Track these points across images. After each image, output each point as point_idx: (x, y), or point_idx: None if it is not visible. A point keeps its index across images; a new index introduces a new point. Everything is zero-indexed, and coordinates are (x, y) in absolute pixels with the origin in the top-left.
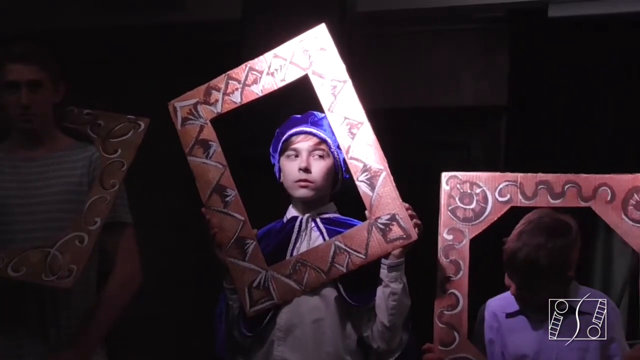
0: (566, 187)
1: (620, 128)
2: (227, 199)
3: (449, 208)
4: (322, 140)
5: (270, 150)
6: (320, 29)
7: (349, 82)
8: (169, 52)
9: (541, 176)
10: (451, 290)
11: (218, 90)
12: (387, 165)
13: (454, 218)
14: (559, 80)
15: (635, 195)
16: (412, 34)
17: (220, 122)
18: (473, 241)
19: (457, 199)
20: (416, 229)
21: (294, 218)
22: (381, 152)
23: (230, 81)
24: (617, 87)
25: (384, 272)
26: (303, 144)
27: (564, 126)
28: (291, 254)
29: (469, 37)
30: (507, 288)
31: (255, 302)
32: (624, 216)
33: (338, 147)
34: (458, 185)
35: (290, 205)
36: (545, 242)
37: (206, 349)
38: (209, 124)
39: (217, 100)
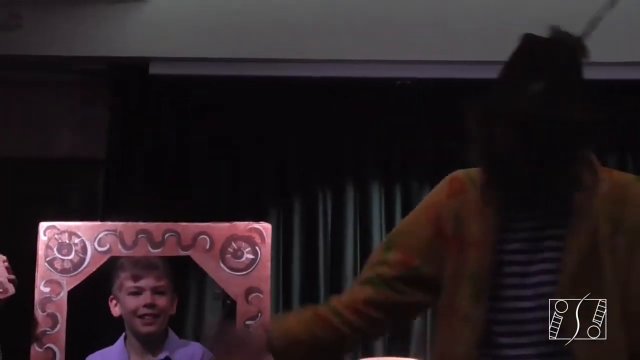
0: (166, 235)
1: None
2: None
3: (47, 259)
4: None
5: None
6: None
7: None
8: None
9: (141, 225)
10: (47, 345)
11: None
12: None
13: (52, 269)
14: (158, 135)
15: (233, 244)
16: (7, 81)
17: None
18: (71, 293)
19: (55, 249)
20: (11, 283)
21: None
22: None
23: None
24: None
25: None
26: None
27: (164, 180)
28: None
29: (69, 88)
30: (108, 342)
31: None
32: (222, 264)
33: None
34: (56, 236)
35: None
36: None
37: None
38: None
39: None
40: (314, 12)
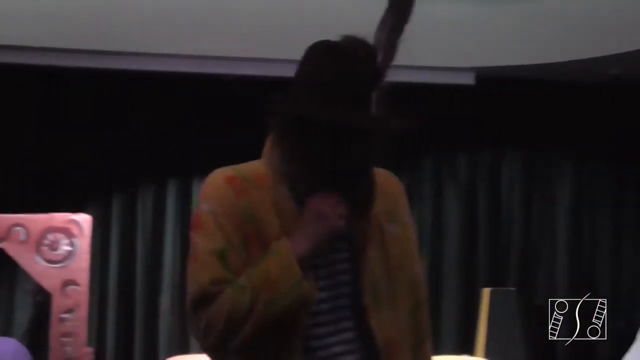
0: None
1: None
2: None
3: None
4: None
5: None
6: None
7: None
8: None
9: None
10: None
11: None
12: None
13: None
14: None
15: (50, 236)
16: None
17: None
18: None
19: None
20: None
21: None
22: None
23: None
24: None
25: None
26: None
27: None
28: None
29: None
30: None
31: None
32: (37, 257)
33: None
34: None
35: None
36: None
37: None
38: None
39: None
40: (137, 8)
